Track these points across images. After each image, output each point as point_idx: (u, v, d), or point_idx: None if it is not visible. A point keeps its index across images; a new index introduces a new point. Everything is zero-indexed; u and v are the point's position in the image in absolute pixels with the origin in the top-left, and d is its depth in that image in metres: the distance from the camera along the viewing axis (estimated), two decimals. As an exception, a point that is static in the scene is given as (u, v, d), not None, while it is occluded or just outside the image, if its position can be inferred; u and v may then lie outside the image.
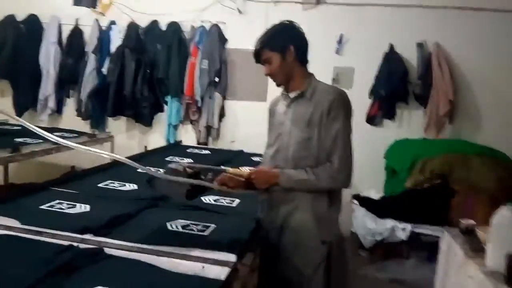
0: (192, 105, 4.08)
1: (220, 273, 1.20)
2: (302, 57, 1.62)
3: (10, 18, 4.23)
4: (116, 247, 1.33)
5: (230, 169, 1.58)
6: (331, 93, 1.57)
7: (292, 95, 1.63)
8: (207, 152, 3.22)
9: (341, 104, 1.56)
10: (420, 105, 3.85)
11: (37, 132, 1.38)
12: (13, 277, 1.09)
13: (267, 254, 1.60)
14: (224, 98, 4.11)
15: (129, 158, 2.52)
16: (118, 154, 3.29)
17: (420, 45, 3.81)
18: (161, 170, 2.32)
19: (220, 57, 4.03)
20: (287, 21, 1.65)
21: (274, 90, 3.89)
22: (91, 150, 1.42)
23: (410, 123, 3.91)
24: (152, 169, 1.60)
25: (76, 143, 3.08)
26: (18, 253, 1.26)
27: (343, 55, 3.96)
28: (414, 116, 3.91)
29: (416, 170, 3.02)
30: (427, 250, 2.86)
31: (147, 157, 2.86)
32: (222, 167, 1.62)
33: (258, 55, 1.61)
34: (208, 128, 4.11)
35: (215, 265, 1.24)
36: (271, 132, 1.71)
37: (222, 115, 4.12)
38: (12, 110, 4.18)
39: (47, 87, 4.19)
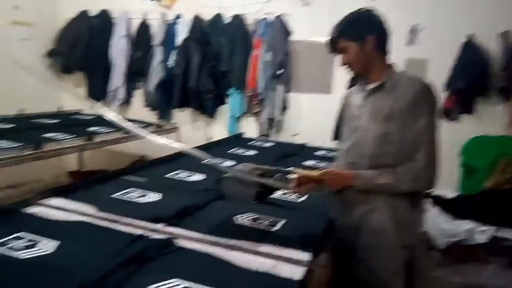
0: (254, 98, 4.05)
1: (293, 272, 1.13)
2: (382, 46, 1.50)
3: (84, 14, 4.45)
4: (187, 239, 1.31)
5: (300, 170, 1.50)
6: (415, 84, 1.44)
7: (370, 86, 1.52)
8: (269, 144, 3.17)
9: (426, 97, 1.42)
10: (504, 99, 3.52)
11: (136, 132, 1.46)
12: (87, 266, 1.10)
13: (341, 254, 1.51)
14: (287, 90, 4.04)
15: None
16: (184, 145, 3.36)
17: (504, 35, 3.47)
18: (225, 162, 2.35)
19: (283, 49, 3.96)
20: (366, 8, 1.53)
21: (339, 83, 3.76)
22: (178, 148, 1.44)
23: (490, 119, 3.58)
24: (217, 161, 1.57)
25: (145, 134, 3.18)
26: (92, 241, 1.28)
27: (415, 46, 3.72)
28: (495, 111, 3.57)
29: (497, 169, 2.77)
30: (510, 256, 2.61)
31: (210, 148, 2.86)
32: (291, 168, 1.54)
33: (333, 44, 1.51)
34: (271, 120, 4.07)
35: (288, 263, 1.18)
36: (345, 126, 1.61)
37: (284, 107, 4.06)
38: (85, 100, 4.41)
39: (117, 79, 4.36)
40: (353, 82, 1.70)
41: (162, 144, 1.47)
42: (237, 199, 1.44)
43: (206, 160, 1.46)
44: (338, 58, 1.55)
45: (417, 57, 3.69)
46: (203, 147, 2.85)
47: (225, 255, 1.22)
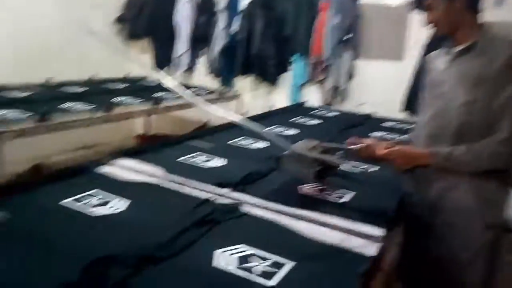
0: (319, 65, 3.90)
1: (364, 246, 1.07)
2: (474, 3, 1.33)
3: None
4: (252, 205, 1.28)
5: (363, 145, 1.41)
6: (511, 46, 1.26)
7: (457, 48, 1.36)
8: (333, 114, 3.06)
9: None
10: None
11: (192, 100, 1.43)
12: (156, 227, 1.11)
13: (414, 231, 1.41)
14: (354, 57, 3.84)
15: (254, 117, 2.56)
16: (245, 112, 3.35)
17: None
18: (288, 131, 2.29)
19: (352, 13, 3.73)
20: None
21: (411, 49, 3.48)
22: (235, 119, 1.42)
23: None
24: (273, 130, 1.51)
25: (206, 100, 3.24)
26: (160, 202, 1.30)
27: (504, 8, 3.33)
28: None
29: None
30: None
31: (272, 117, 2.82)
32: (356, 146, 1.45)
33: (419, 0, 1.36)
34: (335, 89, 3.91)
35: (360, 237, 1.11)
36: (427, 93, 1.47)
37: (351, 75, 3.87)
38: (151, 66, 4.51)
39: (181, 45, 4.39)
40: (430, 48, 1.54)
41: (219, 115, 1.45)
42: (296, 178, 1.40)
43: (266, 130, 1.42)
44: (414, 21, 1.40)
45: (505, 21, 3.31)
46: (265, 116, 2.82)
47: (290, 224, 1.18)
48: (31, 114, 2.22)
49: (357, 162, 1.65)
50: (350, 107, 3.79)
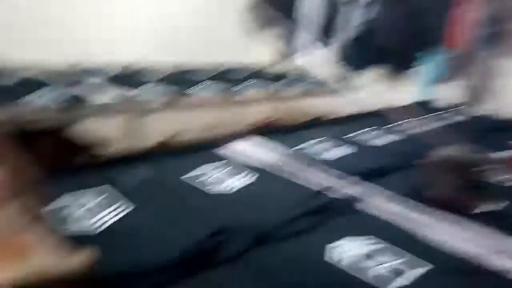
0: (457, 60, 3.52)
1: (506, 265, 0.90)
2: None
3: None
4: (375, 201, 1.20)
5: None
6: None
7: None
8: (469, 116, 2.78)
9: None
10: None
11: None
12: (271, 210, 1.11)
13: None
14: (499, 53, 3.37)
15: (374, 113, 2.40)
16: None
17: None
18: (412, 130, 2.10)
19: (501, 3, 3.28)
20: None
21: None
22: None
23: None
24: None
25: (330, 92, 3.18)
26: (277, 187, 1.28)
27: None
28: None
29: None
30: None
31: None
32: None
33: None
34: (474, 88, 3.49)
35: (502, 254, 0.94)
36: None
37: (493, 73, 3.42)
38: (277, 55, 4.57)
39: (307, 35, 4.35)
40: None
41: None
42: (433, 191, 1.23)
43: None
44: None
45: None
46: (383, 112, 2.62)
47: (414, 227, 1.06)
48: (163, 94, 2.40)
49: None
50: (492, 109, 3.35)
